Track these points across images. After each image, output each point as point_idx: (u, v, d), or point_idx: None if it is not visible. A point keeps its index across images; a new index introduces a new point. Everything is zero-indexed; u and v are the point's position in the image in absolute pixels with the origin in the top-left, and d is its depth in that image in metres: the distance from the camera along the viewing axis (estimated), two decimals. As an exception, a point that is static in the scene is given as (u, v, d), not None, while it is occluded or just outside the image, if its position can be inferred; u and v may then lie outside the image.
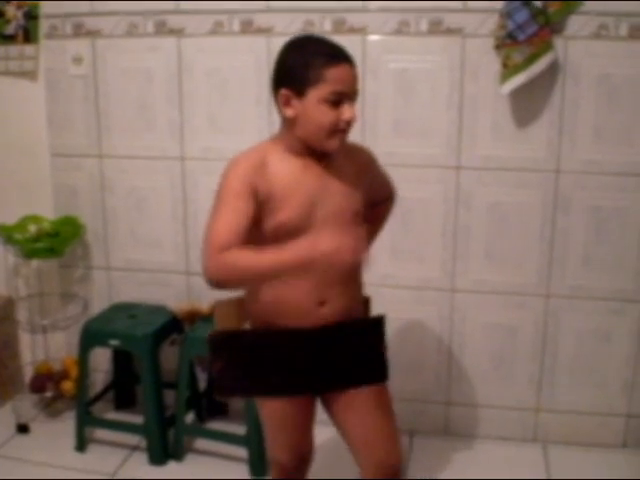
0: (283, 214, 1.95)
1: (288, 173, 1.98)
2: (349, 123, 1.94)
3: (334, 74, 1.89)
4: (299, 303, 2.02)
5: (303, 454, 2.26)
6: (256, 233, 1.94)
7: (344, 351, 2.12)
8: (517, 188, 2.99)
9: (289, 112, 1.95)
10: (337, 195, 2.02)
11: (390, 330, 2.41)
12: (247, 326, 2.15)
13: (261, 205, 1.94)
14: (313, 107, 1.91)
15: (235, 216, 1.88)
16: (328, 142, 1.96)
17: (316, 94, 1.90)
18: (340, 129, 1.94)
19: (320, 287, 2.02)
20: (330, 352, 2.09)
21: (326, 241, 1.79)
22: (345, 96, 1.91)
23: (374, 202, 2.26)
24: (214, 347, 2.11)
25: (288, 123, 1.99)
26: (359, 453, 2.17)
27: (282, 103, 1.96)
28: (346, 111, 1.92)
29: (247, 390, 2.15)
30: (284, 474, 2.27)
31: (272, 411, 2.16)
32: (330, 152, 1.99)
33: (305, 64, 1.91)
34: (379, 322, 2.21)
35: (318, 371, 2.10)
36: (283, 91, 1.95)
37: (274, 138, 2.07)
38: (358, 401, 2.14)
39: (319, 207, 1.99)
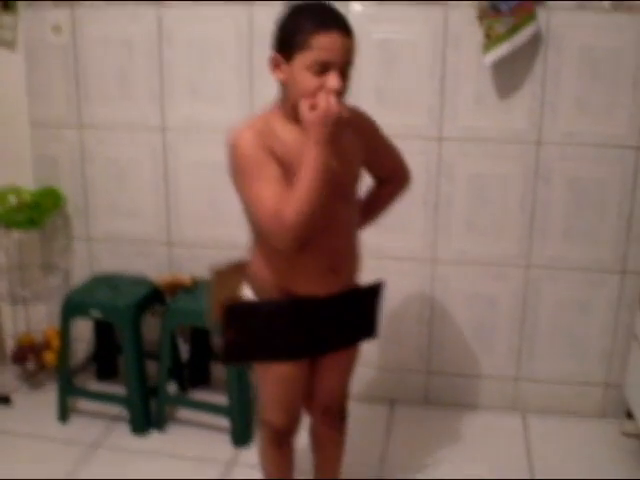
0: (292, 178, 1.90)
1: (292, 139, 1.97)
2: (334, 92, 1.88)
3: (321, 42, 1.86)
4: (312, 270, 2.06)
5: (299, 415, 2.30)
6: None
7: (348, 315, 2.20)
8: (498, 159, 3.00)
9: (279, 76, 1.95)
10: (340, 159, 1.99)
11: (372, 300, 2.43)
12: (246, 290, 2.16)
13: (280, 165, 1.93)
14: (298, 73, 1.89)
15: (270, 185, 1.89)
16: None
17: (302, 60, 1.88)
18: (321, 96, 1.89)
19: (331, 254, 2.06)
20: (337, 317, 2.17)
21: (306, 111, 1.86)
22: (331, 65, 1.87)
23: (380, 177, 2.29)
24: (229, 316, 2.11)
25: (282, 88, 1.99)
26: (312, 398, 2.33)
27: (272, 66, 1.96)
28: (330, 79, 1.87)
29: (258, 356, 2.16)
30: (278, 436, 2.29)
31: (277, 375, 2.18)
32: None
33: (294, 29, 1.90)
34: (379, 287, 2.29)
35: (325, 334, 2.17)
36: (273, 55, 1.95)
37: (273, 107, 2.05)
38: (342, 357, 2.28)
39: None
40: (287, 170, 1.92)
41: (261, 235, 2.04)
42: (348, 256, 2.15)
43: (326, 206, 1.93)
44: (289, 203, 1.86)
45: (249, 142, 1.92)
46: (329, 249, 2.06)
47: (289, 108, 1.97)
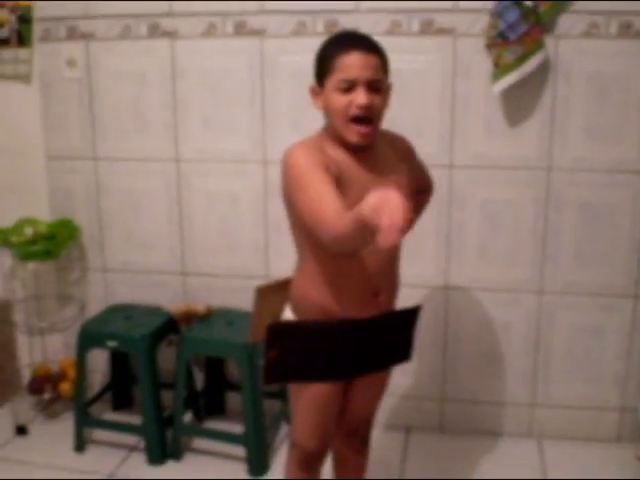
0: (346, 200, 1.90)
1: (343, 161, 2.03)
2: (363, 109, 1.96)
3: (343, 62, 1.96)
4: (357, 294, 2.11)
5: (330, 439, 2.31)
6: None
7: (386, 337, 2.23)
8: (509, 186, 3.02)
9: (317, 104, 2.07)
10: (389, 184, 1.98)
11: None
12: (287, 310, 2.19)
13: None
14: (330, 96, 2.00)
15: (325, 187, 1.90)
16: (347, 133, 2.00)
17: (331, 83, 1.99)
18: (354, 116, 1.97)
19: (374, 278, 2.11)
20: (375, 339, 2.19)
21: (375, 194, 1.68)
22: (356, 82, 1.96)
23: (412, 192, 2.31)
24: (272, 336, 2.13)
25: (325, 116, 2.07)
26: (340, 420, 2.34)
27: (312, 96, 2.08)
28: (358, 97, 1.96)
29: (298, 376, 2.18)
30: (307, 460, 2.30)
31: (316, 396, 2.20)
32: (354, 144, 2.02)
33: (322, 57, 2.03)
34: (417, 311, 2.32)
35: (363, 356, 2.20)
36: (311, 85, 2.07)
37: (321, 131, 2.11)
38: (375, 380, 2.32)
39: None
40: (339, 185, 1.96)
41: (310, 250, 2.08)
42: (391, 280, 2.20)
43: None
44: (343, 217, 1.80)
45: (302, 154, 1.99)
46: (375, 273, 2.11)
47: (333, 133, 2.05)
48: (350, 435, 2.43)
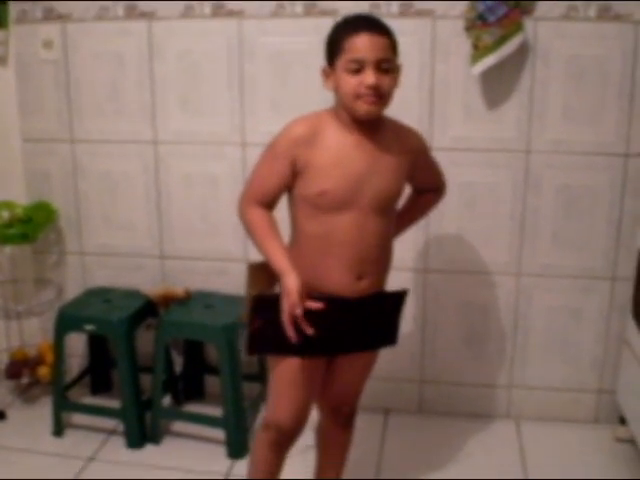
0: (327, 182, 2.08)
1: (339, 145, 2.10)
2: (372, 88, 2.01)
3: (352, 43, 2.01)
4: (340, 277, 2.16)
5: (306, 417, 2.31)
6: (300, 199, 2.14)
7: (371, 318, 2.27)
8: (488, 168, 3.02)
9: (328, 85, 2.11)
10: (384, 174, 2.14)
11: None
12: (278, 286, 2.20)
13: (299, 173, 2.11)
14: (340, 77, 2.05)
15: (270, 174, 2.13)
16: (355, 107, 2.05)
17: (340, 64, 2.04)
18: (364, 94, 2.02)
19: (358, 263, 2.16)
20: (360, 319, 2.24)
21: (292, 290, 2.02)
22: (365, 62, 2.00)
23: (420, 190, 2.40)
24: (256, 307, 2.16)
25: (335, 97, 2.13)
26: (324, 396, 2.40)
27: (323, 78, 2.12)
28: (366, 77, 2.00)
29: (280, 348, 2.18)
30: (281, 439, 2.30)
31: (295, 371, 2.21)
32: (363, 117, 2.07)
33: (332, 40, 2.09)
34: (403, 295, 2.34)
35: (347, 335, 2.24)
36: (324, 67, 2.12)
37: (331, 109, 2.16)
38: (360, 360, 2.36)
39: (367, 184, 2.11)
40: (318, 166, 2.08)
41: (299, 228, 2.18)
42: (378, 266, 2.23)
43: (356, 219, 2.11)
44: (256, 216, 2.14)
45: (287, 138, 2.10)
46: (358, 260, 2.16)
47: (343, 114, 2.11)
48: (335, 411, 2.45)
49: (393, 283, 2.34)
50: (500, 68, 2.85)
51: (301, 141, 2.08)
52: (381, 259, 2.23)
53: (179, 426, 3.19)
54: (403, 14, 2.90)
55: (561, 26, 2.84)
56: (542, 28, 2.85)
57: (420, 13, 2.90)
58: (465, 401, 3.31)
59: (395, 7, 2.90)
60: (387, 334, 2.37)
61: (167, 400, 3.31)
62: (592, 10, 2.81)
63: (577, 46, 2.85)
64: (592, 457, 3.00)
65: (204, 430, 3.10)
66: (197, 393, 3.42)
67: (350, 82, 2.02)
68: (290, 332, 2.06)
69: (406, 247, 3.11)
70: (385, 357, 2.43)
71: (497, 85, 2.93)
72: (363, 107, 2.04)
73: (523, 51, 2.86)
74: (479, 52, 2.81)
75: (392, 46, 2.07)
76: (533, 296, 3.14)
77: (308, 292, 2.09)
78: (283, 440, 2.31)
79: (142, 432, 3.11)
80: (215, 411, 3.09)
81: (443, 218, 3.07)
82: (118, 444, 3.10)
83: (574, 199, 3.01)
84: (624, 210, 2.99)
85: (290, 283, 2.03)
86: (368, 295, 2.20)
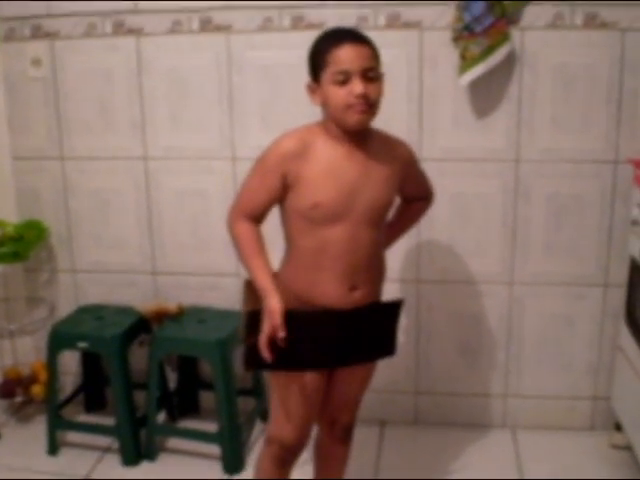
0: (320, 194, 2.08)
1: (330, 157, 2.11)
2: (361, 97, 2.02)
3: (335, 55, 2.02)
4: (334, 288, 2.16)
5: (309, 432, 2.31)
6: (293, 212, 2.14)
7: (368, 329, 2.26)
8: (478, 178, 3.03)
9: (315, 100, 2.12)
10: (376, 185, 2.14)
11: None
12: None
13: (290, 186, 2.11)
14: (327, 90, 2.06)
15: (260, 189, 2.14)
16: (346, 118, 2.06)
17: (326, 77, 2.05)
18: (353, 104, 2.03)
19: (351, 274, 2.16)
20: (357, 330, 2.23)
21: (275, 311, 2.06)
22: (351, 73, 2.02)
23: (409, 199, 2.41)
24: (251, 323, 2.15)
25: (323, 111, 2.13)
26: (323, 409, 2.38)
27: (309, 94, 2.13)
28: (354, 86, 2.01)
29: (278, 363, 2.17)
30: (285, 454, 2.30)
31: (295, 385, 2.21)
32: (354, 128, 2.08)
33: (315, 53, 2.10)
34: (399, 305, 2.34)
35: (344, 346, 2.23)
36: (309, 83, 2.13)
37: (320, 122, 2.16)
38: (358, 372, 2.35)
39: (359, 196, 2.12)
40: (309, 180, 2.09)
41: (292, 241, 2.18)
42: (370, 275, 2.22)
43: (349, 231, 2.12)
44: (244, 231, 2.16)
45: (277, 152, 2.11)
46: (350, 271, 2.16)
47: (332, 128, 2.11)
48: (333, 425, 2.44)
49: (386, 294, 2.34)
50: (488, 78, 2.86)
51: (291, 155, 2.08)
52: (374, 269, 2.24)
53: (174, 442, 3.18)
54: (390, 26, 2.92)
55: (548, 35, 2.85)
56: (529, 37, 2.86)
57: (407, 25, 2.91)
58: (460, 411, 3.30)
59: (382, 19, 2.91)
60: (385, 345, 2.37)
61: (162, 416, 3.30)
62: (578, 18, 2.83)
63: (564, 54, 2.87)
64: (588, 464, 2.99)
65: (199, 446, 3.09)
66: (192, 409, 3.41)
67: (339, 94, 2.03)
68: (265, 353, 2.08)
69: (398, 258, 3.12)
70: (380, 369, 2.43)
71: (485, 95, 2.94)
72: (354, 117, 2.05)
73: (510, 61, 2.87)
74: (467, 62, 2.82)
75: (375, 55, 2.09)
76: (526, 304, 3.14)
77: (302, 306, 2.10)
78: (287, 455, 2.30)
79: (137, 449, 3.09)
80: (210, 427, 3.08)
81: (434, 228, 3.08)
82: (113, 462, 3.08)
83: (565, 207, 3.01)
84: (615, 217, 3.00)
85: (273, 304, 2.06)
86: (363, 306, 2.20)
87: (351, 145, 2.12)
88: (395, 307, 2.34)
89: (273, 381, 2.28)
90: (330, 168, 2.09)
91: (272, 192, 2.12)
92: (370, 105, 2.06)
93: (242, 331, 2.21)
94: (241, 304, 2.26)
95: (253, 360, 2.21)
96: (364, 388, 2.43)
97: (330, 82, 2.03)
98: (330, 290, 2.15)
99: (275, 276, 2.18)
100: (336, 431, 2.46)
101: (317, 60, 2.07)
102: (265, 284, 2.09)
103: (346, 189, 2.10)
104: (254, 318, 2.15)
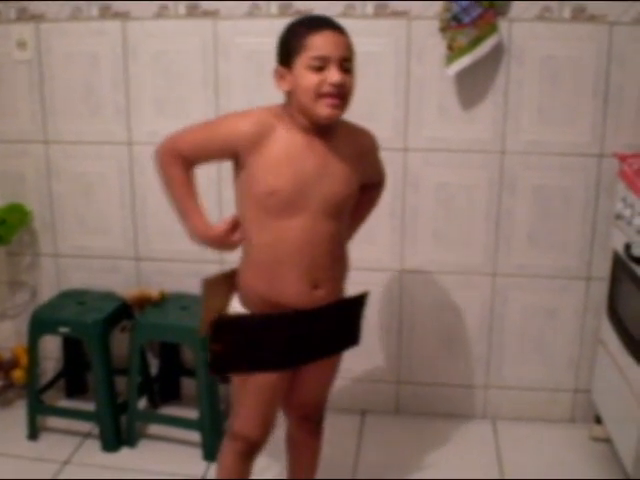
0: (276, 180, 2.02)
1: (290, 145, 2.05)
2: (336, 86, 1.98)
3: (314, 40, 1.97)
4: (295, 286, 2.10)
5: (272, 426, 2.30)
6: (248, 201, 2.08)
7: (332, 326, 2.23)
8: (463, 169, 3.03)
9: (283, 86, 2.05)
10: (335, 177, 2.09)
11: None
12: (235, 301, 2.19)
13: (242, 166, 2.07)
14: (299, 75, 1.99)
15: (206, 136, 2.11)
16: (316, 108, 2.00)
17: (301, 62, 1.99)
18: (326, 93, 1.98)
19: (312, 271, 2.11)
20: (321, 328, 2.20)
21: (216, 235, 2.14)
22: (328, 61, 1.97)
23: (365, 186, 2.34)
24: (217, 330, 2.14)
25: (287, 98, 2.08)
26: (291, 405, 2.40)
27: (277, 79, 2.06)
28: (331, 74, 1.97)
29: (244, 367, 2.17)
30: (249, 449, 2.29)
31: (261, 386, 2.19)
32: (324, 121, 2.03)
33: (290, 37, 2.03)
34: (364, 298, 2.33)
35: (309, 345, 2.20)
36: (277, 68, 2.06)
37: (281, 106, 2.11)
38: (324, 366, 2.32)
39: (317, 187, 2.06)
40: (268, 161, 2.03)
41: (251, 237, 2.12)
42: (332, 272, 2.17)
43: (307, 223, 2.06)
44: (175, 170, 2.13)
45: (235, 130, 2.05)
46: (311, 267, 2.10)
47: (296, 116, 2.06)
48: (303, 419, 2.44)
49: (368, 284, 2.34)
50: (475, 69, 2.86)
51: (244, 138, 2.04)
52: (336, 265, 2.19)
53: (155, 429, 3.18)
54: (378, 15, 2.91)
55: (536, 27, 2.85)
56: (517, 29, 2.86)
57: (395, 14, 2.90)
58: (442, 401, 3.31)
59: (370, 8, 2.90)
60: (349, 336, 2.35)
61: (143, 403, 3.30)
62: (566, 11, 2.83)
63: (552, 47, 2.87)
64: (568, 456, 3.01)
65: (180, 433, 3.09)
66: (173, 395, 3.41)
67: (312, 79, 1.97)
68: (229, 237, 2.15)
69: (381, 248, 3.12)
70: (361, 358, 2.44)
71: (472, 86, 2.93)
72: (325, 111, 2.00)
73: (498, 52, 2.86)
74: (454, 53, 2.82)
75: (352, 48, 2.05)
76: (508, 296, 3.15)
77: (267, 305, 2.10)
78: (250, 450, 2.29)
79: (117, 435, 3.09)
80: (191, 413, 3.07)
81: (418, 219, 3.08)
82: (93, 447, 3.08)
83: (549, 199, 3.02)
84: (599, 210, 3.01)
85: (215, 227, 2.14)
86: (327, 305, 2.17)
87: (314, 135, 2.06)
88: (360, 300, 2.32)
89: (235, 379, 2.26)
90: (289, 156, 2.04)
91: (215, 154, 2.14)
92: (342, 97, 2.01)
93: (204, 330, 2.18)
94: (201, 303, 2.21)
95: (219, 366, 2.21)
96: (332, 380, 2.42)
97: (304, 67, 1.98)
98: (291, 288, 2.10)
99: (235, 274, 2.17)
100: (307, 425, 2.45)
101: (292, 43, 2.01)
102: (200, 224, 2.14)
103: (303, 178, 2.04)
104: (220, 325, 2.13)
